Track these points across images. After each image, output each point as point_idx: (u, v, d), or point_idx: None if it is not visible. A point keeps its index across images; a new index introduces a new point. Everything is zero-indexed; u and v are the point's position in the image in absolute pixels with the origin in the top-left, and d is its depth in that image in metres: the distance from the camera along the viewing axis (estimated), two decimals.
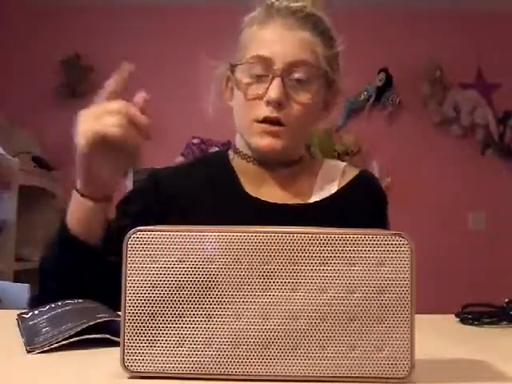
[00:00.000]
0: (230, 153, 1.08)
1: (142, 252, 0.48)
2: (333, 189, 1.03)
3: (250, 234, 0.48)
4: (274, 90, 0.93)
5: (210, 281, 0.48)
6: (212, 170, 1.06)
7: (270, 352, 0.47)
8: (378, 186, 1.09)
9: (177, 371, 0.47)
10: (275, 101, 0.93)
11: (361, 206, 1.02)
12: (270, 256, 0.48)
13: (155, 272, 0.48)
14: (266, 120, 0.94)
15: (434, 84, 3.33)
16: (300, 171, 1.04)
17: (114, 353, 0.51)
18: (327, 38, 1.00)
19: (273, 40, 0.95)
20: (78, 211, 0.85)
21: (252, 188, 1.02)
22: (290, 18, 0.96)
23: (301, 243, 0.48)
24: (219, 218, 0.96)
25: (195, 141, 3.23)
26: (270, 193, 1.01)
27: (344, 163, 1.10)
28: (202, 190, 1.02)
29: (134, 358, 0.48)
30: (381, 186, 1.10)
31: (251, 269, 0.48)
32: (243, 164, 1.04)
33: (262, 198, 1.00)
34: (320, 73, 0.97)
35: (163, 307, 0.48)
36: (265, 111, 0.94)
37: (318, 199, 1.01)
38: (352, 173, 1.06)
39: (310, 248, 0.48)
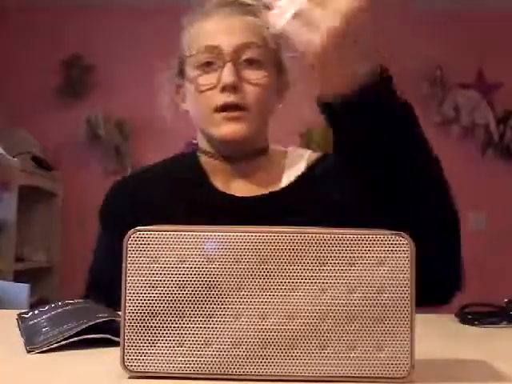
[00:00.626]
0: (198, 153, 1.08)
1: (142, 252, 0.48)
2: (298, 173, 1.03)
3: (249, 234, 0.48)
4: (226, 75, 0.92)
5: (210, 281, 0.48)
6: (181, 170, 1.06)
7: (270, 352, 0.47)
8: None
9: (177, 371, 0.47)
10: (230, 85, 0.92)
11: (329, 179, 0.98)
12: (270, 256, 0.48)
13: (155, 272, 0.48)
14: (224, 107, 0.94)
15: (434, 84, 3.33)
16: (266, 163, 1.04)
17: (114, 353, 0.51)
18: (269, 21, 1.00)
19: (217, 29, 0.96)
20: None
21: (222, 185, 1.02)
22: (227, 7, 0.97)
23: (300, 243, 0.48)
24: (191, 217, 0.96)
25: (195, 141, 3.23)
26: (240, 187, 1.01)
27: (309, 150, 1.10)
28: (172, 193, 1.02)
29: (134, 357, 0.48)
30: None
31: (251, 268, 0.48)
32: (210, 162, 1.03)
33: (233, 193, 1.00)
34: (269, 52, 0.97)
35: (163, 307, 0.48)
36: (221, 98, 0.93)
37: (285, 185, 1.02)
38: (316, 155, 1.06)
39: (310, 248, 0.48)
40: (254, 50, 0.95)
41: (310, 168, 1.03)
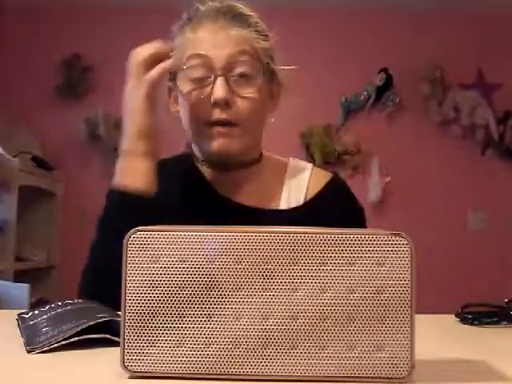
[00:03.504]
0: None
1: (142, 252, 0.48)
2: (301, 198, 1.01)
3: (250, 234, 0.48)
4: (218, 90, 0.91)
5: (210, 281, 0.48)
6: (178, 171, 1.05)
7: (270, 352, 0.47)
8: (348, 196, 1.06)
9: (177, 371, 0.47)
10: (222, 100, 0.91)
11: (331, 218, 0.98)
12: (270, 256, 0.48)
13: (155, 272, 0.48)
14: (216, 123, 0.93)
15: (434, 84, 3.33)
16: (259, 172, 1.03)
17: (114, 353, 0.51)
18: (260, 32, 0.99)
19: (208, 40, 0.94)
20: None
21: (219, 189, 1.01)
22: (220, 19, 0.95)
23: (301, 243, 0.48)
24: (189, 217, 0.96)
25: None
26: (234, 193, 1.01)
27: (311, 165, 1.08)
28: (169, 195, 1.00)
29: (134, 357, 0.48)
30: (352, 195, 1.07)
31: (251, 269, 0.48)
32: (203, 169, 1.03)
33: (231, 198, 1.00)
34: (261, 66, 0.96)
35: (163, 307, 0.48)
36: (213, 114, 0.93)
37: (285, 207, 1.01)
38: (321, 180, 1.04)
39: (310, 248, 0.48)
40: (245, 64, 0.94)
41: (313, 199, 1.01)
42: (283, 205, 1.01)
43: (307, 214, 0.99)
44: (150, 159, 0.93)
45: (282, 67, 1.02)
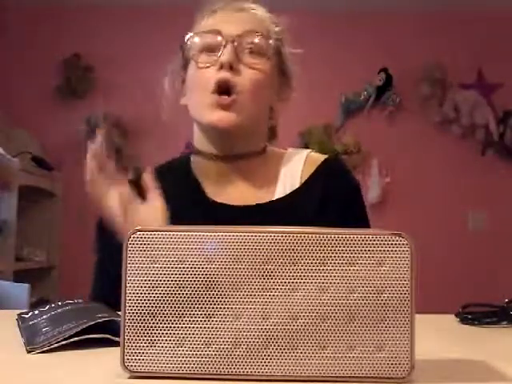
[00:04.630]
0: (192, 156, 1.06)
1: (142, 252, 0.48)
2: (295, 183, 1.00)
3: (250, 234, 0.48)
4: (225, 54, 0.93)
5: (210, 281, 0.48)
6: (174, 176, 1.04)
7: (270, 352, 0.47)
8: (343, 174, 1.04)
9: (177, 371, 0.47)
10: (227, 62, 0.92)
11: (327, 198, 0.98)
12: (270, 256, 0.48)
13: (155, 272, 0.48)
14: (218, 88, 0.93)
15: (434, 84, 3.33)
16: (262, 163, 1.02)
17: (114, 353, 0.51)
18: (273, 18, 1.02)
19: (223, 20, 0.97)
20: None
21: (214, 190, 1.00)
22: (236, 4, 0.99)
23: (300, 243, 0.48)
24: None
25: None
26: (233, 192, 0.99)
27: (307, 150, 1.06)
28: (166, 200, 1.00)
29: (134, 357, 0.48)
30: (347, 172, 1.04)
31: (251, 269, 0.48)
32: (204, 164, 1.02)
33: (224, 202, 0.98)
34: (271, 45, 0.98)
35: (163, 307, 0.48)
36: (217, 75, 0.93)
37: (282, 195, 0.99)
38: (316, 162, 1.02)
39: (310, 248, 0.48)
40: (256, 37, 0.96)
41: (308, 182, 1.00)
42: (279, 193, 1.00)
43: (302, 196, 0.99)
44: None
45: (292, 51, 1.03)
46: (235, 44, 0.94)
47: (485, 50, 3.38)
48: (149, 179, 0.90)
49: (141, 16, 3.35)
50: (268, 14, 1.02)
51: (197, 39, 0.98)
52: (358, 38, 3.33)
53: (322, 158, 1.03)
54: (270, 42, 0.97)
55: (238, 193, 1.00)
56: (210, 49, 0.96)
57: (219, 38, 0.95)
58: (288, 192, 1.00)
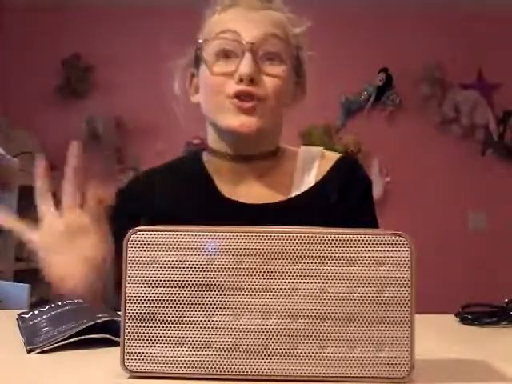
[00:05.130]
0: (204, 154, 1.03)
1: (142, 252, 0.48)
2: (311, 180, 0.99)
3: (250, 234, 0.48)
4: (245, 66, 0.88)
5: (210, 281, 0.48)
6: (186, 174, 1.02)
7: (270, 352, 0.47)
8: (357, 171, 1.03)
9: (177, 371, 0.47)
10: (247, 75, 0.88)
11: (342, 195, 0.98)
12: (270, 256, 0.48)
13: (155, 272, 0.48)
14: (238, 94, 0.89)
15: (434, 84, 3.33)
16: (276, 165, 1.00)
17: (114, 353, 0.51)
18: (291, 19, 0.98)
19: (239, 18, 0.92)
20: None
21: (228, 188, 0.98)
22: (252, 1, 0.94)
23: (301, 243, 0.48)
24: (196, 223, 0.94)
25: (195, 141, 3.23)
26: (248, 192, 0.98)
27: (320, 148, 1.05)
28: (177, 196, 0.99)
29: (134, 357, 0.48)
30: (361, 170, 1.04)
31: (251, 269, 0.48)
32: (218, 163, 0.99)
33: (239, 200, 0.96)
34: (289, 49, 0.94)
35: (163, 307, 0.48)
36: (236, 87, 0.89)
37: (297, 193, 0.98)
38: (330, 160, 1.02)
39: (310, 248, 0.48)
40: (274, 44, 0.91)
41: (323, 179, 0.99)
42: (295, 191, 0.99)
43: (318, 194, 0.98)
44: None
45: (308, 54, 1.00)
46: (254, 51, 0.89)
47: (485, 50, 3.38)
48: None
49: (141, 16, 3.35)
50: (287, 13, 0.97)
51: (212, 42, 0.92)
52: (358, 38, 3.33)
53: (336, 155, 1.03)
54: (288, 48, 0.94)
55: (252, 192, 0.98)
56: (227, 54, 0.91)
57: (237, 44, 0.90)
58: (304, 190, 0.99)
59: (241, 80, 0.89)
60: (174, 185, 1.01)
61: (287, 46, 0.94)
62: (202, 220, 0.93)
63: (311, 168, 1.01)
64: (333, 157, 1.03)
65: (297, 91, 1.00)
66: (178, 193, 1.00)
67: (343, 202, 0.98)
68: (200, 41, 0.95)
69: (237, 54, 0.90)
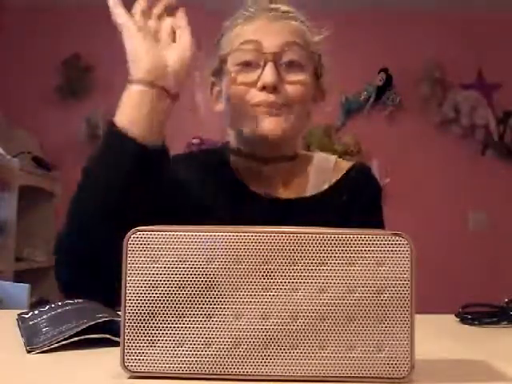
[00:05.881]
0: (228, 152, 1.05)
1: (142, 252, 0.48)
2: (325, 185, 1.02)
3: (249, 234, 0.48)
4: (267, 75, 0.91)
5: (210, 281, 0.48)
6: (211, 165, 1.03)
7: (270, 352, 0.47)
8: (369, 179, 1.08)
9: (177, 371, 0.47)
10: (270, 85, 0.90)
11: (354, 199, 1.01)
12: (270, 256, 0.48)
13: (155, 272, 0.48)
14: (262, 103, 0.92)
15: (434, 84, 3.33)
16: (295, 168, 1.03)
17: (114, 353, 0.51)
18: (311, 28, 1.01)
19: (261, 29, 0.95)
20: (139, 107, 0.86)
21: (251, 182, 1.01)
22: (273, 12, 0.97)
23: (300, 243, 0.48)
24: (221, 212, 0.96)
25: (195, 141, 3.23)
26: (269, 187, 1.00)
27: (335, 156, 1.09)
28: (202, 184, 0.99)
29: (134, 357, 0.48)
30: (373, 178, 1.09)
31: (251, 269, 0.48)
32: (241, 161, 1.02)
33: (261, 193, 0.99)
34: (310, 56, 0.97)
35: (163, 307, 0.48)
36: (260, 96, 0.92)
37: (313, 193, 1.02)
38: (344, 167, 1.05)
39: (310, 248, 0.48)
40: (295, 52, 0.94)
41: (336, 184, 1.03)
42: (310, 192, 1.02)
43: (330, 197, 1.01)
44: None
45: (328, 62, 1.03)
46: (276, 60, 0.92)
47: (485, 49, 3.38)
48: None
49: None
50: (306, 22, 1.00)
51: (235, 53, 0.95)
52: (358, 38, 3.33)
53: (349, 163, 1.07)
54: (309, 56, 0.96)
55: (270, 189, 1.00)
56: (248, 63, 0.94)
57: (259, 54, 0.92)
58: (318, 192, 1.02)
59: (264, 88, 0.91)
60: (198, 173, 1.02)
61: (307, 53, 0.96)
62: (227, 209, 0.95)
63: (325, 172, 1.04)
64: (346, 164, 1.07)
65: (317, 95, 1.03)
66: (203, 180, 1.00)
67: (355, 205, 1.01)
68: (223, 52, 0.98)
69: (258, 63, 0.93)
